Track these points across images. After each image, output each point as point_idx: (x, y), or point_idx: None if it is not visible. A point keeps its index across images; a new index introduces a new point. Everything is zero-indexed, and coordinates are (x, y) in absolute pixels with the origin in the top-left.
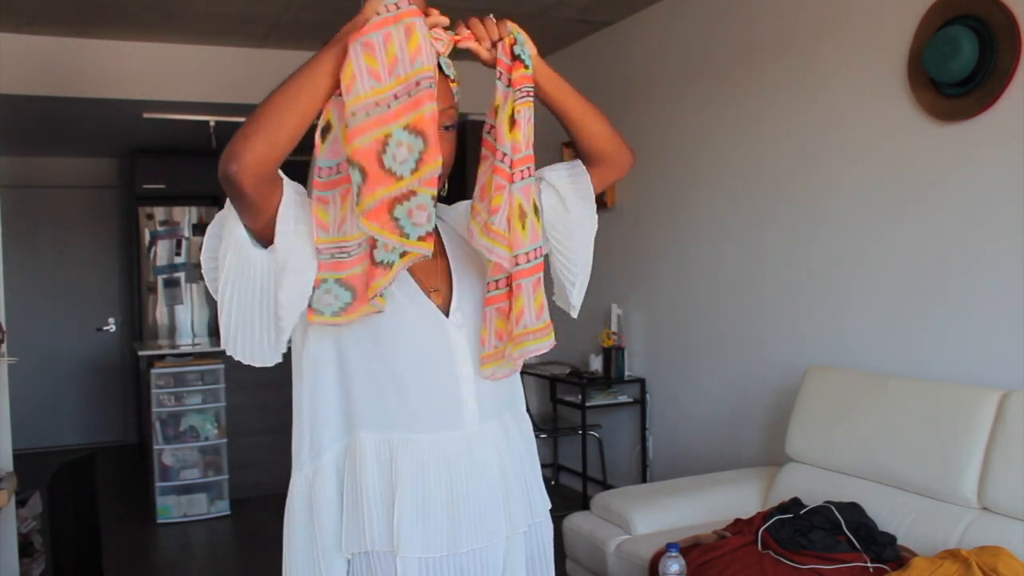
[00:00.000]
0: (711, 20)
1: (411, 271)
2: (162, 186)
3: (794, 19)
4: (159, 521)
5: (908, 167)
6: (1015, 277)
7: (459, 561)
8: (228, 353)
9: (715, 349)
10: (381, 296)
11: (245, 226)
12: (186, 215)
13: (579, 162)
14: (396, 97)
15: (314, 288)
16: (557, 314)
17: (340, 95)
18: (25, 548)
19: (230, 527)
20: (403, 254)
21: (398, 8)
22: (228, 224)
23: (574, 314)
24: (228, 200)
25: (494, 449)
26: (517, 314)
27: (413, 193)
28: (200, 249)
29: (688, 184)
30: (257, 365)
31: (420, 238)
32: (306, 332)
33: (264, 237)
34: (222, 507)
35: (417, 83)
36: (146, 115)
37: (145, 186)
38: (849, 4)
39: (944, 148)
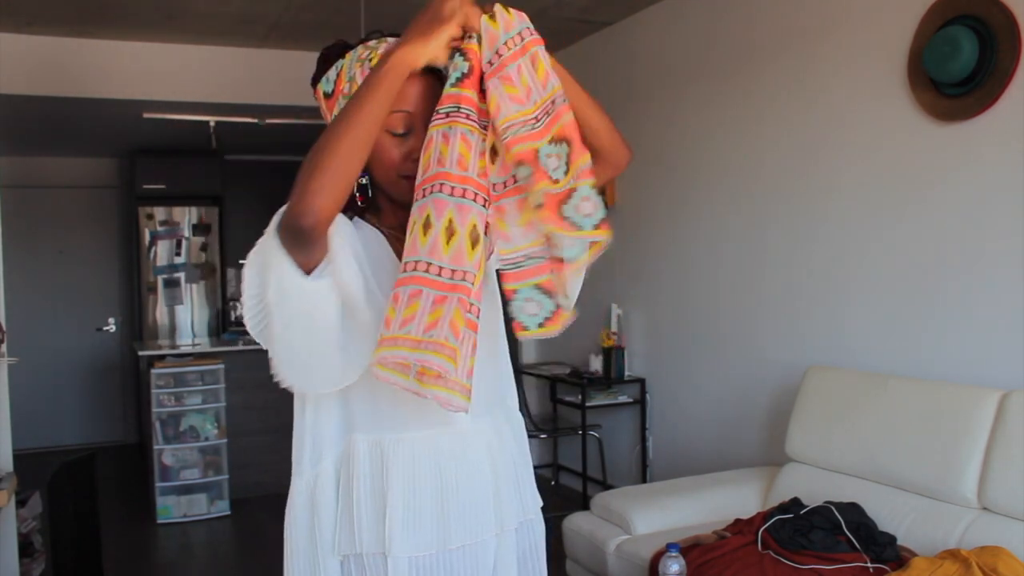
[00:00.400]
0: (711, 20)
1: None
2: (162, 186)
3: (794, 19)
4: (159, 521)
5: (908, 167)
6: (1015, 277)
7: (448, 558)
8: (287, 386)
9: (715, 349)
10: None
11: (293, 261)
12: (186, 215)
13: None
14: (537, 120)
15: (510, 301)
16: None
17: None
18: (25, 548)
19: (230, 527)
20: (588, 247)
21: (523, 40)
22: (273, 262)
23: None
24: (271, 238)
25: (485, 446)
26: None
27: (574, 189)
28: (201, 250)
29: (688, 184)
30: (329, 390)
31: (595, 227)
32: None
33: (309, 267)
34: (222, 507)
35: (552, 102)
36: (146, 115)
37: (145, 186)
38: (849, 4)
39: (944, 148)
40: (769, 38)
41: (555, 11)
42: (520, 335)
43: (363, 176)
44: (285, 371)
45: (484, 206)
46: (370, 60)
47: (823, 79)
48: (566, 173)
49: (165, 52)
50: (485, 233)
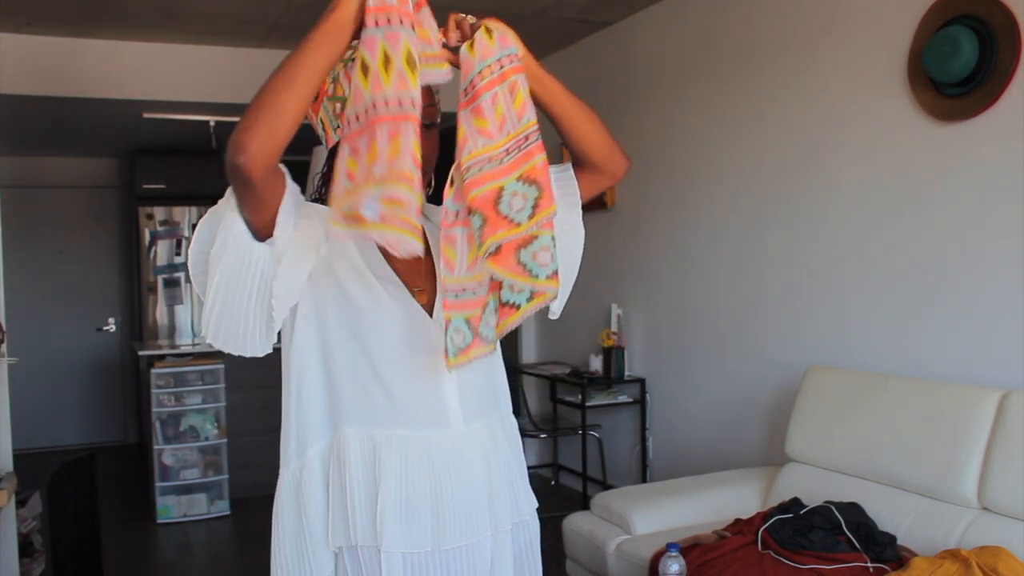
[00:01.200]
0: (711, 20)
1: (396, 271)
2: (162, 186)
3: (794, 19)
4: (159, 521)
5: (908, 167)
6: (1015, 277)
7: (445, 558)
8: (209, 342)
9: (715, 349)
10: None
11: (245, 220)
12: (186, 215)
13: (569, 165)
14: (508, 152)
15: (445, 328)
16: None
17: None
18: (25, 548)
19: (230, 527)
20: (531, 296)
21: (502, 68)
22: (226, 218)
23: (556, 315)
24: (228, 195)
25: (479, 450)
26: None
27: (534, 237)
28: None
29: (688, 184)
30: (247, 355)
31: (548, 277)
32: (294, 329)
33: (262, 232)
34: (222, 507)
35: (526, 137)
36: (146, 115)
37: (145, 186)
38: (849, 4)
39: (944, 148)
40: (769, 38)
41: (555, 11)
42: (449, 364)
43: None
44: (207, 328)
45: (413, 29)
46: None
47: (823, 79)
48: (530, 217)
49: (165, 52)
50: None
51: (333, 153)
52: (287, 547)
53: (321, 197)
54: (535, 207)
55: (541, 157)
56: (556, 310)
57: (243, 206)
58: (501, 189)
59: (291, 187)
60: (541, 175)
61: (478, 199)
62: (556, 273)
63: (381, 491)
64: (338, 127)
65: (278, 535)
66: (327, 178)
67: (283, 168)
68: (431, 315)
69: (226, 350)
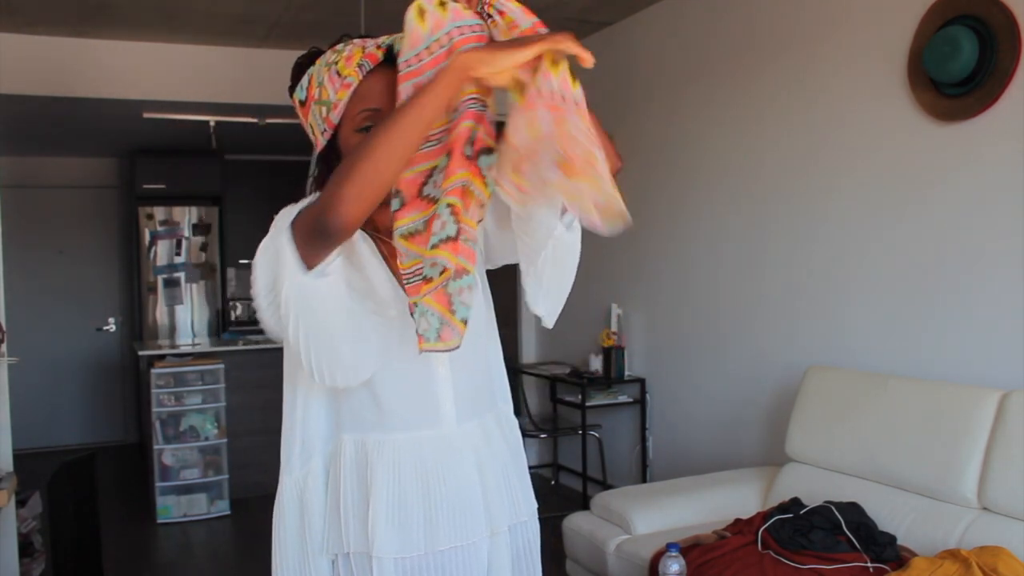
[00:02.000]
0: (711, 20)
1: (392, 272)
2: (162, 186)
3: (794, 19)
4: (159, 521)
5: (908, 167)
6: (1015, 277)
7: (439, 560)
8: (316, 379)
9: (715, 349)
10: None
11: (299, 256)
12: (186, 215)
13: None
14: (447, 131)
15: (411, 313)
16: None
17: None
18: (25, 548)
19: (230, 527)
20: (441, 271)
21: (450, 40)
22: (283, 259)
23: (548, 324)
24: (283, 236)
25: (472, 450)
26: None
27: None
28: (201, 249)
29: (688, 184)
30: (354, 384)
31: (434, 247)
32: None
33: (312, 264)
34: (222, 507)
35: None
36: (146, 115)
37: (145, 186)
38: (849, 4)
39: (944, 148)
40: (769, 38)
41: (555, 11)
42: (422, 348)
43: None
44: (307, 364)
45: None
46: (336, 64)
47: (823, 79)
48: (439, 197)
49: (165, 52)
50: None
51: (322, 157)
52: (289, 554)
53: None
54: (444, 176)
55: (466, 124)
56: (549, 320)
57: (317, 250)
58: (432, 169)
59: None
60: (455, 141)
61: (405, 180)
62: (448, 240)
63: (372, 497)
64: (325, 131)
65: (280, 542)
66: (319, 182)
67: None
68: None
69: (334, 384)
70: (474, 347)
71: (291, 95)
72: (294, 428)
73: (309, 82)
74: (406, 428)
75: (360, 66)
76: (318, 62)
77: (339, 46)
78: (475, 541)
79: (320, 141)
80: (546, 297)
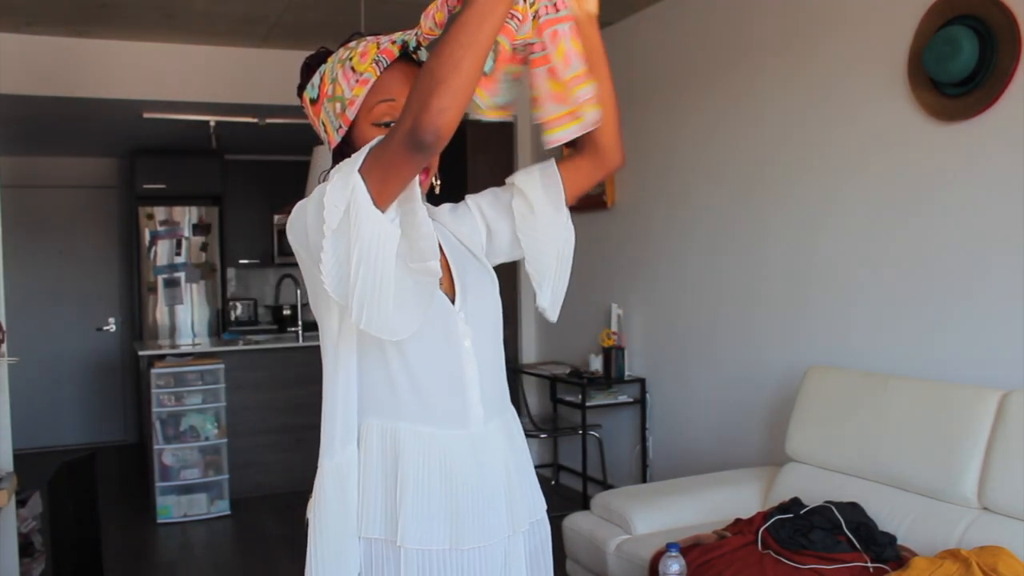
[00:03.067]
0: (712, 20)
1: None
2: (162, 186)
3: (794, 19)
4: (159, 521)
5: (908, 167)
6: (1015, 277)
7: (461, 559)
8: (357, 325)
9: (715, 349)
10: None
11: (370, 192)
12: (186, 215)
13: (552, 162)
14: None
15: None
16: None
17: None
18: (25, 548)
19: (230, 527)
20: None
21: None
22: (358, 196)
23: (551, 317)
24: (355, 177)
25: (499, 448)
26: (563, 59)
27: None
28: (201, 249)
29: (688, 184)
30: (394, 339)
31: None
32: (341, 318)
33: (381, 203)
34: (222, 507)
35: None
36: (146, 115)
37: (145, 186)
38: (849, 4)
39: (944, 148)
40: (769, 38)
41: None
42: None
43: None
44: (356, 311)
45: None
46: (350, 60)
47: (823, 79)
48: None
49: (165, 52)
50: None
51: (338, 153)
52: (329, 537)
53: None
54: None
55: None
56: (552, 313)
57: (397, 177)
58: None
59: None
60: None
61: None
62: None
63: (401, 486)
64: (339, 127)
65: (319, 525)
66: None
67: None
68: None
69: (379, 335)
70: (495, 346)
71: (299, 94)
72: (335, 411)
73: (321, 80)
74: (437, 424)
75: (376, 62)
76: (330, 60)
77: (351, 43)
78: (496, 541)
79: (335, 137)
80: (552, 291)
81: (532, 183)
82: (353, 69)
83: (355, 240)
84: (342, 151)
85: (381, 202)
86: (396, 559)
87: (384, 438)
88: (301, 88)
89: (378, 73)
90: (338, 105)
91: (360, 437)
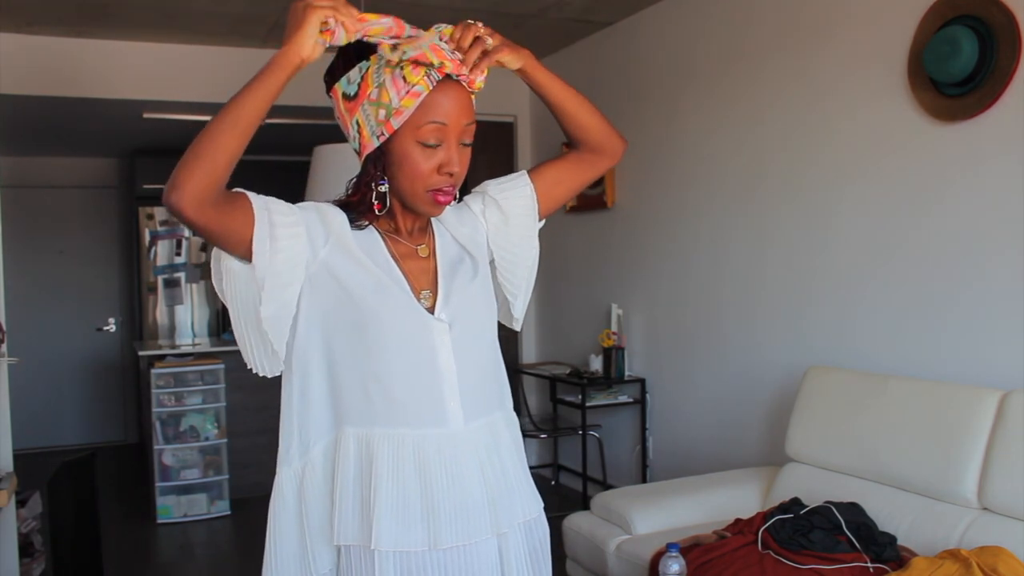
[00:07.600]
0: (711, 20)
1: (403, 270)
2: (162, 186)
3: (794, 19)
4: (159, 521)
5: (908, 167)
6: (1015, 277)
7: (441, 559)
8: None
9: (715, 349)
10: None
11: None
12: None
13: (524, 173)
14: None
15: None
16: (554, 313)
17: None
18: (25, 548)
19: (230, 527)
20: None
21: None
22: (216, 250)
23: (517, 327)
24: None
25: (477, 448)
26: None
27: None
28: (201, 250)
29: (688, 184)
30: (268, 376)
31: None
32: (296, 329)
33: (247, 257)
34: (222, 507)
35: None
36: (146, 115)
37: (145, 186)
38: (849, 4)
39: (944, 148)
40: (769, 38)
41: (555, 11)
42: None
43: (383, 183)
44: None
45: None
46: (401, 68)
47: (823, 79)
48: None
49: (165, 52)
50: None
51: (370, 159)
52: (287, 546)
53: (350, 201)
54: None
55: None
56: (517, 316)
57: (210, 241)
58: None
59: (260, 209)
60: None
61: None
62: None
63: (375, 490)
64: (380, 135)
65: (278, 532)
66: (359, 185)
67: (243, 192)
68: (433, 315)
69: (253, 369)
70: (480, 344)
71: (330, 78)
72: (292, 420)
73: (363, 79)
74: (412, 425)
75: (428, 76)
76: (373, 59)
77: (404, 49)
78: (480, 540)
79: (370, 142)
80: (524, 303)
81: (504, 193)
82: (404, 79)
83: (224, 285)
84: (376, 157)
85: (239, 256)
86: (371, 564)
87: (360, 445)
88: (334, 73)
89: (430, 88)
90: (382, 112)
91: (337, 446)
